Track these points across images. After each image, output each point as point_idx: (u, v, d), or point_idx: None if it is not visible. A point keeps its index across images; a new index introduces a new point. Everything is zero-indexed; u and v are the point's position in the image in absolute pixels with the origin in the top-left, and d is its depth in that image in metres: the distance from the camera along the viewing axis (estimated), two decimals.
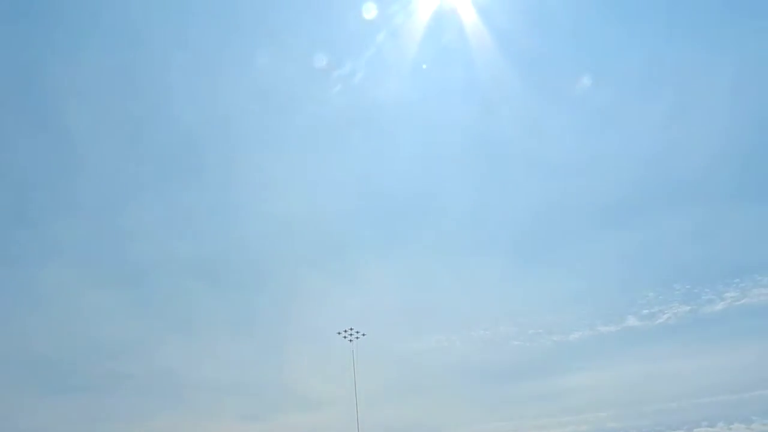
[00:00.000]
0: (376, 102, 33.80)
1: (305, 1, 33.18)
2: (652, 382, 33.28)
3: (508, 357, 35.36)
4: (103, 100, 35.82)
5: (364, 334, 32.63)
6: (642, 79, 33.14)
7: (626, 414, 33.82)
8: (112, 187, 35.63)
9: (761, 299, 30.66)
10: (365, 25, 32.36)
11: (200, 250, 35.48)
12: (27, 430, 34.78)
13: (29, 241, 35.09)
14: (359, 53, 32.72)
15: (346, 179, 34.00)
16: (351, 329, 32.66)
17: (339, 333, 32.89)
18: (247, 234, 35.41)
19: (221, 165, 35.66)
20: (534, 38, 33.00)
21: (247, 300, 35.43)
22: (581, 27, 33.36)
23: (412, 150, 34.27)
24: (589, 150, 33.55)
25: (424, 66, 33.02)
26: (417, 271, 34.19)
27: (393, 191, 34.18)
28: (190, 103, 35.53)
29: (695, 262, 31.53)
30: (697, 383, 32.74)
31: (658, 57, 33.20)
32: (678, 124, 32.73)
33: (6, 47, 34.98)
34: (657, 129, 32.92)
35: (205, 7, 33.85)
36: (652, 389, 33.35)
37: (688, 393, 32.85)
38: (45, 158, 35.82)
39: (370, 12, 31.57)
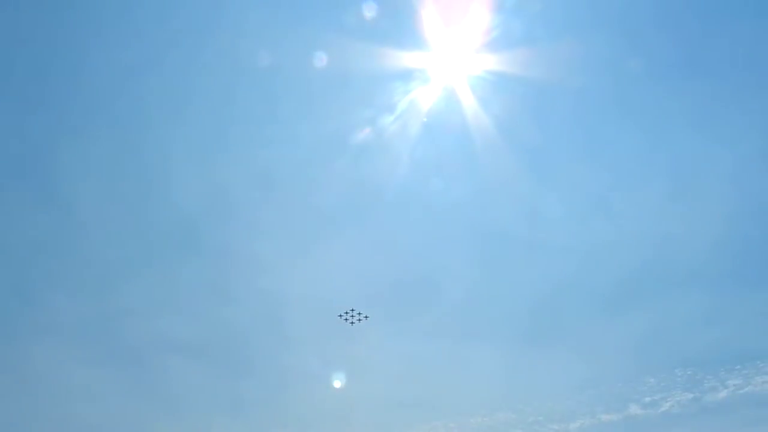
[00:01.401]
0: (376, 185, 34.03)
1: (310, 86, 33.58)
2: None
3: None
4: (105, 177, 35.85)
5: (366, 317, 31.55)
6: (639, 165, 33.76)
7: None
8: (110, 265, 35.30)
9: (764, 387, 30.33)
10: (367, 109, 33.08)
11: (195, 330, 34.84)
12: None
13: (25, 317, 34.43)
14: (361, 138, 33.22)
15: (344, 261, 33.84)
16: (352, 310, 31.50)
17: (340, 316, 31.51)
18: (242, 314, 34.90)
19: (219, 244, 35.44)
20: (532, 126, 33.71)
21: (240, 381, 34.57)
22: (579, 114, 34.00)
23: (411, 234, 34.32)
24: (588, 235, 33.67)
25: (425, 150, 33.14)
26: (414, 357, 33.61)
27: (390, 275, 33.86)
28: (190, 182, 35.60)
29: (696, 348, 31.23)
30: None
31: (655, 145, 33.91)
32: (675, 210, 33.10)
33: (13, 123, 35.17)
34: (655, 214, 33.26)
35: (208, 85, 34.23)
36: None
37: None
38: (45, 233, 35.55)
39: (373, 98, 32.30)
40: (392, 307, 34.38)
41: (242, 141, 35.32)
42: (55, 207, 35.03)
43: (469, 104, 32.25)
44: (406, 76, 32.13)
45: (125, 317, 33.72)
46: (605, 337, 32.25)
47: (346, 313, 31.67)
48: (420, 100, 32.30)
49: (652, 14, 33.37)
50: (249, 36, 33.44)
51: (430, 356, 33.65)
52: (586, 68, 32.74)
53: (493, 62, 31.74)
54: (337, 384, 33.40)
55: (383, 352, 33.53)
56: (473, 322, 34.50)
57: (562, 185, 33.82)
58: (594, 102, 33.51)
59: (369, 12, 31.53)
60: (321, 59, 32.40)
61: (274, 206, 35.38)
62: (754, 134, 32.95)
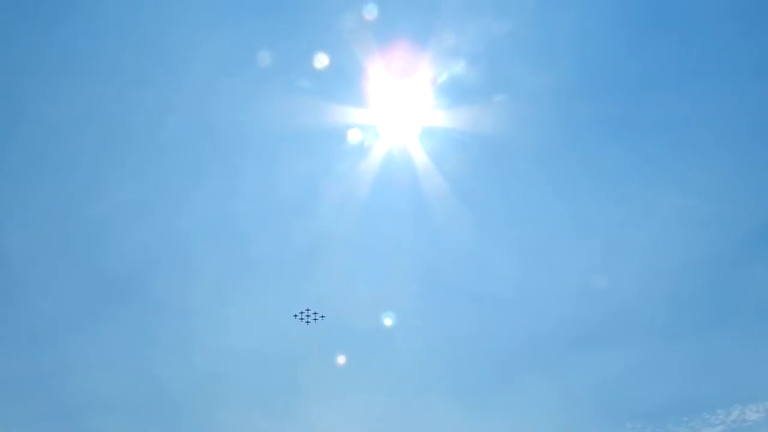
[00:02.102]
0: (323, 237, 33.96)
1: (257, 139, 33.37)
2: None
3: None
4: (42, 228, 34.75)
5: (323, 317, 30.46)
6: (581, 219, 34.59)
7: None
8: (44, 319, 34.11)
9: None
10: (316, 164, 33.04)
11: (131, 386, 33.88)
12: None
13: None
14: (308, 191, 33.18)
15: (284, 312, 33.38)
16: (308, 310, 30.44)
17: (296, 316, 30.45)
18: (178, 369, 34.26)
19: (156, 296, 34.76)
20: (480, 180, 34.32)
21: None
22: (524, 170, 34.67)
23: (358, 284, 34.30)
24: (532, 288, 34.28)
25: (375, 204, 33.31)
26: (362, 410, 33.55)
27: (335, 324, 33.64)
28: (129, 233, 34.80)
29: (644, 400, 32.05)
30: None
31: (596, 199, 34.85)
32: (616, 262, 34.00)
33: None
34: (595, 268, 34.00)
35: (151, 136, 33.80)
36: None
37: None
38: None
39: (321, 152, 32.29)
40: (344, 351, 34.20)
41: (184, 191, 34.67)
42: None
43: (419, 159, 32.53)
44: (356, 131, 32.25)
45: (59, 374, 32.69)
46: (552, 391, 32.81)
47: (302, 312, 30.78)
48: (370, 155, 32.35)
49: (596, 74, 34.19)
50: (191, 87, 33.17)
51: (378, 409, 33.68)
52: (533, 125, 33.37)
53: (442, 118, 32.27)
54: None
55: (330, 406, 33.33)
56: (420, 373, 34.63)
57: (508, 238, 34.36)
58: (539, 158, 34.20)
59: (318, 66, 31.49)
60: (270, 113, 32.30)
61: (214, 257, 34.86)
62: (687, 190, 34.01)
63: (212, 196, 34.37)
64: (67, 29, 33.97)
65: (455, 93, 32.62)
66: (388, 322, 32.97)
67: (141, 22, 33.64)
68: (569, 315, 33.76)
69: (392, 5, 32.55)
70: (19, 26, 33.78)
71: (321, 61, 31.19)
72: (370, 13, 31.38)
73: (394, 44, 31.82)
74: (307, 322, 30.76)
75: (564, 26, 33.50)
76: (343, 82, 31.88)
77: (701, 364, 31.82)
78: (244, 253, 34.66)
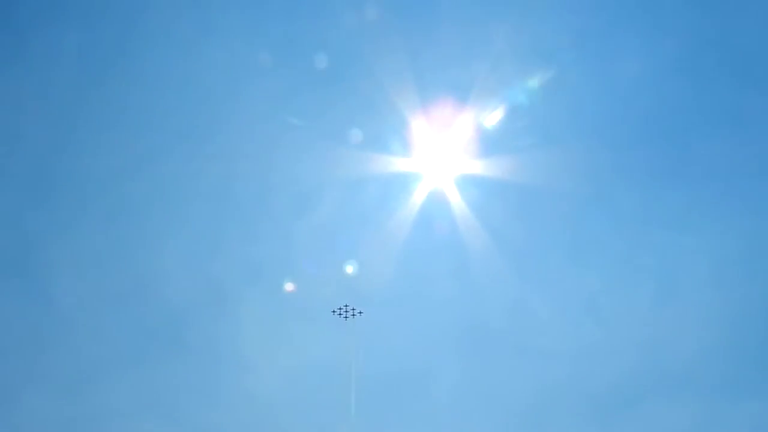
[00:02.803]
0: (364, 284, 33.97)
1: (300, 187, 33.89)
2: None
3: None
4: (94, 273, 35.76)
5: (360, 312, 30.54)
6: (624, 268, 33.83)
7: None
8: (93, 363, 34.81)
9: None
10: (356, 211, 33.31)
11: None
12: None
13: (1, 418, 33.79)
14: (349, 238, 33.35)
15: (333, 361, 33.48)
16: (346, 306, 30.53)
17: (334, 312, 30.56)
18: (227, 419, 34.33)
19: (206, 343, 35.11)
20: (520, 228, 33.97)
21: None
22: (564, 218, 34.28)
23: (400, 334, 34.06)
24: (576, 338, 33.44)
25: (414, 251, 33.26)
26: None
27: (378, 373, 33.53)
28: (180, 278, 35.50)
29: None
30: None
31: (639, 248, 34.09)
32: (663, 313, 33.00)
33: (5, 219, 35.29)
34: (642, 318, 33.11)
35: (203, 183, 34.56)
36: None
37: None
38: (27, 330, 35.21)
39: (361, 200, 32.58)
40: (379, 405, 33.89)
41: (234, 237, 35.32)
42: (40, 303, 34.82)
43: (458, 206, 32.57)
44: (395, 179, 32.60)
45: (107, 419, 33.14)
46: None
47: (341, 309, 30.84)
48: (408, 203, 32.56)
49: (631, 125, 33.93)
50: (242, 139, 34.09)
51: None
52: (570, 173, 33.11)
53: (480, 167, 32.37)
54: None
55: None
56: (460, 422, 34.02)
57: (550, 287, 33.79)
58: (578, 206, 33.86)
59: (357, 116, 32.20)
60: (308, 162, 32.94)
61: (263, 304, 35.19)
62: (733, 237, 33.08)
63: (255, 243, 34.96)
64: (118, 87, 35.63)
65: (495, 141, 32.81)
66: (426, 372, 32.68)
67: (183, 78, 35.06)
68: (622, 368, 32.74)
69: (432, 57, 33.38)
70: (70, 82, 35.29)
71: (361, 110, 31.85)
72: (410, 64, 32.20)
73: (435, 94, 32.42)
74: (345, 317, 30.65)
75: (605, 74, 33.57)
76: (383, 131, 32.36)
77: (751, 422, 30.46)
78: (284, 301, 34.96)
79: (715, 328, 32.49)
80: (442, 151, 32.47)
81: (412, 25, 33.21)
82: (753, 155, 32.46)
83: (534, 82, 32.70)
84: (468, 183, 32.71)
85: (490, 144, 32.82)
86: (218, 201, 35.32)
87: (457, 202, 32.37)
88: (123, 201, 35.97)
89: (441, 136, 32.36)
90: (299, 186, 34.08)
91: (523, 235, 33.93)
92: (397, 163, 32.38)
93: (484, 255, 32.98)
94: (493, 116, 32.36)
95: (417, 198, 32.42)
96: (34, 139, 35.60)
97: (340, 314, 30.61)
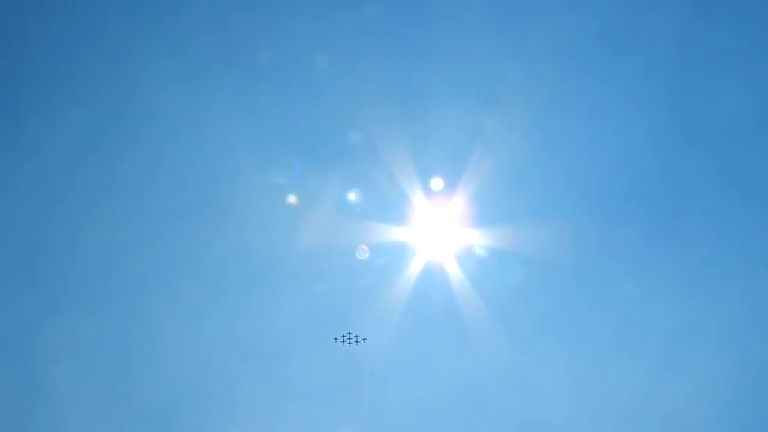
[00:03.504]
0: (361, 360, 33.46)
1: (293, 259, 33.79)
2: None
3: None
4: (85, 356, 35.08)
5: (364, 339, 30.15)
6: (629, 337, 33.50)
7: None
8: None
9: None
10: (352, 283, 33.12)
11: None
12: None
13: None
14: (345, 312, 33.06)
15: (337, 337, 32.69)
16: (350, 333, 29.97)
17: (336, 339, 30.08)
18: None
19: (199, 426, 34.22)
20: (519, 299, 33.88)
21: None
22: (564, 289, 34.25)
23: (398, 410, 33.33)
24: (577, 410, 32.84)
25: (412, 324, 32.92)
26: None
27: None
28: (172, 358, 34.82)
29: None
30: None
31: (642, 315, 33.88)
32: (673, 380, 32.52)
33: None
34: (651, 387, 32.59)
35: (199, 258, 34.43)
36: None
37: None
38: (17, 416, 34.24)
39: (358, 271, 32.49)
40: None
41: (229, 314, 34.92)
42: (31, 388, 33.98)
43: (456, 277, 32.44)
44: (392, 250, 32.59)
45: None
46: None
47: (343, 336, 30.46)
48: (406, 273, 32.43)
49: (628, 192, 34.31)
50: (238, 214, 34.15)
51: None
52: (568, 243, 33.20)
53: (479, 237, 32.45)
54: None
55: None
56: None
57: (551, 359, 33.32)
58: (577, 276, 33.73)
59: (356, 188, 32.43)
60: (304, 234, 32.96)
61: (255, 383, 34.46)
62: (734, 299, 33.00)
63: (253, 319, 34.48)
64: (113, 163, 35.89)
65: (493, 212, 33.16)
66: None
67: (179, 154, 35.44)
68: None
69: (430, 129, 34.01)
70: (65, 156, 35.51)
71: (359, 183, 32.17)
72: (408, 135, 32.78)
73: (431, 165, 32.88)
74: (349, 343, 29.90)
75: (599, 143, 34.18)
76: (380, 202, 32.59)
77: None
78: (283, 378, 34.29)
79: (719, 395, 32.04)
80: (439, 222, 32.62)
81: (410, 97, 33.94)
82: (750, 215, 32.81)
83: (529, 153, 33.30)
84: (466, 253, 32.72)
85: (486, 214, 33.05)
86: (213, 277, 35.04)
87: (454, 272, 32.32)
88: (116, 279, 35.65)
89: (438, 206, 32.59)
90: (295, 259, 34.02)
91: (521, 306, 33.74)
92: (394, 234, 32.45)
93: (481, 326, 32.64)
94: (489, 187, 32.69)
95: (414, 268, 32.35)
96: (27, 215, 35.54)
97: (343, 341, 30.04)
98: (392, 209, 32.61)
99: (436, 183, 32.96)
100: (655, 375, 32.95)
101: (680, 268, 32.87)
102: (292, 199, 33.48)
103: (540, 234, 32.82)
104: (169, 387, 35.73)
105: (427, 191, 32.79)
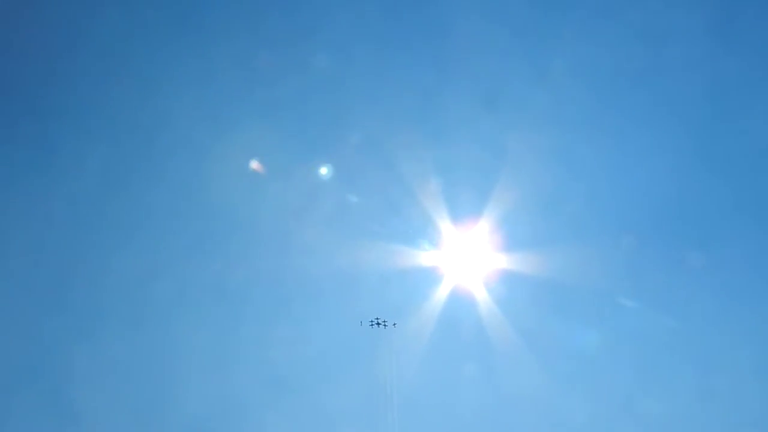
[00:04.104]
0: (389, 386, 33.18)
1: (320, 285, 33.83)
2: None
3: None
4: (113, 382, 35.04)
5: (395, 324, 30.16)
6: (662, 362, 33.05)
7: None
8: None
9: None
10: (380, 308, 33.03)
11: None
12: None
13: None
14: (373, 337, 32.91)
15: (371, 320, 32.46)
16: (378, 318, 30.04)
17: (372, 323, 30.24)
18: None
19: None
20: (547, 323, 33.65)
21: None
22: (592, 313, 33.92)
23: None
24: None
25: (439, 348, 32.72)
26: None
27: None
28: (199, 387, 34.73)
29: None
30: None
31: (674, 341, 33.48)
32: (707, 410, 31.93)
33: (27, 327, 34.96)
34: (685, 417, 31.98)
35: (226, 284, 34.51)
36: None
37: None
38: None
39: (385, 296, 32.45)
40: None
41: (253, 342, 34.85)
42: (59, 413, 33.89)
43: (483, 302, 32.32)
44: (419, 274, 32.57)
45: None
46: None
47: (371, 321, 30.60)
48: (433, 298, 32.34)
49: (655, 217, 34.19)
50: (263, 239, 34.32)
51: None
52: (596, 270, 33.03)
53: (505, 262, 32.39)
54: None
55: None
56: None
57: (582, 387, 32.91)
58: (607, 301, 33.44)
59: (385, 211, 32.63)
60: (331, 259, 33.01)
61: (283, 410, 34.22)
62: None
63: (279, 345, 34.34)
64: (138, 192, 36.26)
65: (519, 236, 33.09)
66: None
67: (204, 181, 35.68)
68: None
69: (455, 154, 34.20)
70: (91, 186, 35.88)
71: (386, 207, 32.30)
72: (433, 164, 33.03)
73: (459, 189, 33.02)
74: (385, 325, 29.91)
75: (625, 167, 34.21)
76: (407, 226, 32.67)
77: None
78: (308, 410, 34.04)
79: (755, 428, 31.45)
80: (466, 247, 32.61)
81: (435, 122, 34.21)
82: None
83: (555, 178, 33.38)
84: (493, 278, 32.63)
85: (513, 239, 33.00)
86: (239, 304, 35.07)
87: (482, 296, 32.20)
88: (143, 307, 35.76)
89: (464, 231, 32.61)
90: (321, 285, 34.02)
91: (548, 332, 33.46)
92: (421, 258, 32.47)
93: (510, 352, 32.38)
94: (515, 212, 32.73)
95: (442, 293, 32.27)
96: (57, 243, 35.87)
97: (378, 324, 29.97)
98: (419, 233, 32.65)
99: (462, 207, 33.08)
100: (686, 407, 32.45)
101: (711, 296, 32.57)
102: (318, 223, 33.65)
103: (568, 259, 32.68)
104: (194, 416, 35.60)
105: (453, 216, 32.86)
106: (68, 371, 35.35)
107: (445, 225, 32.64)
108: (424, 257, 32.49)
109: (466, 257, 32.59)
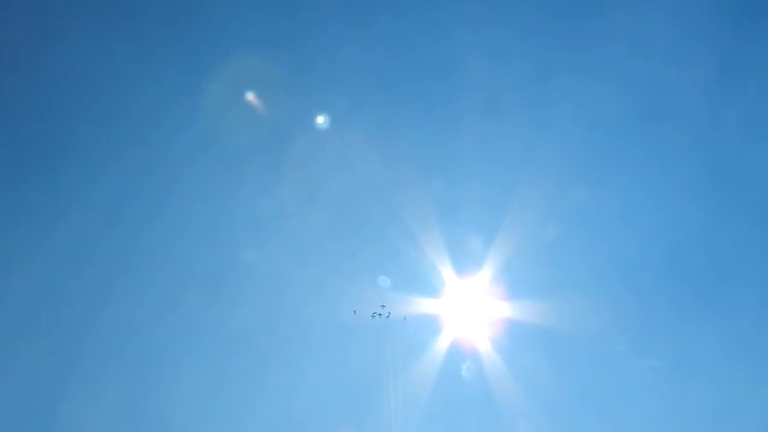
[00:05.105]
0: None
1: (319, 332, 33.39)
2: None
3: None
4: (108, 427, 34.26)
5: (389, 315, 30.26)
6: (658, 413, 32.56)
7: None
8: None
9: None
10: (381, 356, 32.49)
11: None
12: None
13: None
14: (375, 385, 32.34)
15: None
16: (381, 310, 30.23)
17: (373, 315, 30.21)
18: None
19: None
20: (547, 372, 33.07)
21: None
22: (591, 362, 33.46)
23: None
24: None
25: (441, 396, 32.21)
26: None
27: None
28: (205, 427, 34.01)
29: None
30: None
31: (673, 389, 33.00)
32: None
33: (22, 370, 34.25)
34: None
35: (223, 329, 34.04)
36: None
37: None
38: None
39: (386, 344, 31.94)
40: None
41: (253, 387, 34.18)
42: None
43: (485, 350, 31.87)
44: (420, 322, 32.11)
45: None
46: None
47: (373, 314, 30.58)
48: (435, 346, 31.89)
49: (662, 264, 33.85)
50: (260, 288, 33.81)
51: None
52: (602, 319, 32.56)
53: (508, 311, 31.90)
54: None
55: None
56: None
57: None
58: (608, 350, 32.98)
59: (386, 259, 32.30)
60: (329, 306, 32.56)
61: None
62: None
63: (272, 395, 33.69)
64: (139, 232, 35.77)
65: (523, 285, 32.64)
66: None
67: (205, 224, 35.27)
68: None
69: (458, 202, 34.01)
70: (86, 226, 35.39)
71: (386, 253, 31.98)
72: (437, 207, 32.80)
73: (460, 236, 32.69)
74: (388, 316, 29.95)
75: (633, 219, 33.97)
76: (408, 273, 32.34)
77: None
78: None
79: None
80: (468, 294, 32.24)
81: (438, 170, 34.10)
82: None
83: (560, 226, 33.14)
84: (494, 326, 32.22)
85: (517, 287, 32.66)
86: (238, 351, 34.43)
87: (484, 345, 31.74)
88: (135, 353, 35.10)
89: (466, 278, 32.27)
90: (319, 332, 33.48)
91: (553, 383, 32.89)
92: (422, 306, 32.07)
93: (513, 403, 31.83)
94: (519, 259, 32.40)
95: (443, 343, 31.81)
96: (51, 286, 35.14)
97: (380, 315, 29.83)
98: (420, 281, 32.29)
99: (465, 254, 32.79)
100: None
101: (722, 345, 32.05)
102: (317, 269, 33.26)
103: (573, 308, 32.25)
104: None
105: (456, 263, 32.54)
106: (60, 417, 34.63)
107: (446, 272, 32.29)
108: (424, 305, 32.08)
109: (467, 305, 32.17)
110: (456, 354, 31.82)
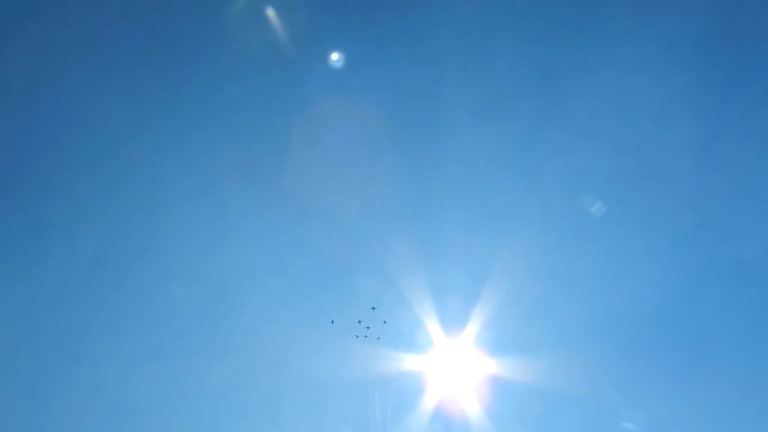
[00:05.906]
0: None
1: (306, 389, 33.05)
2: None
3: None
4: None
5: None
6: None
7: None
8: None
9: None
10: (368, 413, 32.16)
11: None
12: None
13: None
14: None
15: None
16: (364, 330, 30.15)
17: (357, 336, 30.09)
18: None
19: None
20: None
21: None
22: (583, 423, 33.25)
23: None
24: None
25: None
26: None
27: None
28: None
29: None
30: None
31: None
32: None
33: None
34: None
35: (211, 380, 33.66)
36: None
37: None
38: None
39: (374, 400, 31.66)
40: None
41: None
42: None
43: (471, 408, 31.66)
44: (406, 378, 31.88)
45: None
46: None
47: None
48: (420, 403, 31.62)
49: (645, 325, 34.03)
50: (246, 337, 33.52)
51: None
52: (586, 376, 32.56)
53: (494, 367, 31.77)
54: None
55: None
56: None
57: None
58: (594, 410, 32.91)
59: (370, 312, 32.08)
60: (313, 361, 32.25)
61: None
62: None
63: None
64: (123, 280, 35.33)
65: (509, 341, 32.60)
66: None
67: (193, 272, 34.99)
68: None
69: (443, 257, 33.95)
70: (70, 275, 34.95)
71: (373, 307, 31.79)
72: (423, 262, 32.73)
73: (446, 293, 32.62)
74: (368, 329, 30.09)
75: (615, 274, 34.09)
76: (395, 330, 32.12)
77: None
78: None
79: None
80: (453, 350, 32.12)
81: (425, 225, 34.10)
82: None
83: (545, 283, 33.21)
84: (480, 383, 32.04)
85: (502, 344, 32.58)
86: (224, 402, 33.98)
87: (471, 404, 31.54)
88: (120, 397, 34.49)
89: (451, 335, 32.15)
90: (303, 388, 33.10)
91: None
92: (407, 362, 31.89)
93: None
94: (505, 316, 32.33)
95: (428, 399, 31.58)
96: (33, 328, 34.66)
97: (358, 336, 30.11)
98: (407, 338, 32.11)
99: (450, 310, 32.67)
100: None
101: (704, 406, 32.08)
102: (302, 322, 33.04)
103: (559, 366, 32.18)
104: None
105: (441, 319, 32.40)
106: None
107: (431, 328, 32.12)
108: (409, 361, 31.89)
109: (452, 362, 32.00)
110: (442, 414, 31.54)
